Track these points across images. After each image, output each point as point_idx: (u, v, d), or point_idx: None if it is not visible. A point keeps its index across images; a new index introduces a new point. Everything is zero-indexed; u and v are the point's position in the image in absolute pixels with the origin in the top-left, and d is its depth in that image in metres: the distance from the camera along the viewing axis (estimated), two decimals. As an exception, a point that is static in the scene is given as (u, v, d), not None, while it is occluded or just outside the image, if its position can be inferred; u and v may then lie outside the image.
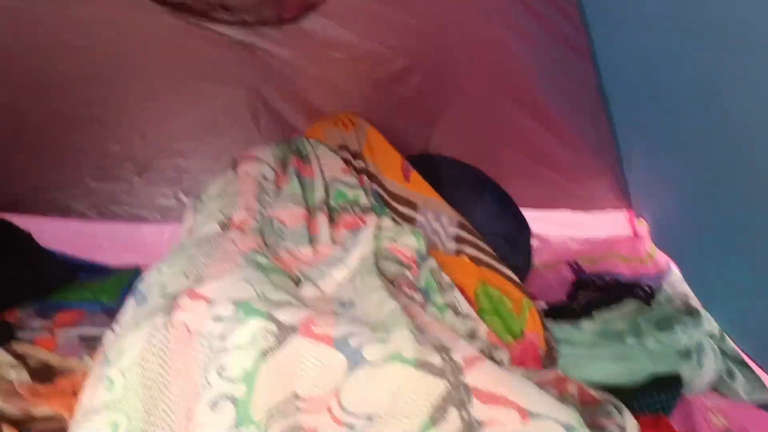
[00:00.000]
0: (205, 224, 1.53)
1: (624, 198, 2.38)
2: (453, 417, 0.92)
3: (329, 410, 0.95)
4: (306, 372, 0.98)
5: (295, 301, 1.17)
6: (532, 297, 1.78)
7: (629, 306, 1.88)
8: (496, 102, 2.18)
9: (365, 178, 1.82)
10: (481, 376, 0.95)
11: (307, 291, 1.29)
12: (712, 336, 1.75)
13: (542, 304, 1.89)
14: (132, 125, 2.06)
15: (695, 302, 1.90)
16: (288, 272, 1.34)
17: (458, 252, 1.78)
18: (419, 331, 1.06)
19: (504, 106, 2.19)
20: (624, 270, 2.24)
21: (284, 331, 1.03)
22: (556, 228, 2.41)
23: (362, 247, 1.43)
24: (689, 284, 2.00)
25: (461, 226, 1.83)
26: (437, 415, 0.92)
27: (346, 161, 1.84)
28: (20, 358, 1.57)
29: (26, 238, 2.05)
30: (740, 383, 1.65)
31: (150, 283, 1.24)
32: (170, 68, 1.99)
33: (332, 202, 1.69)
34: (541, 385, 1.01)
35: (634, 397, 1.51)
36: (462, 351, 1.00)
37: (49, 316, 1.81)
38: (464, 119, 2.23)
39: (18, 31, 1.82)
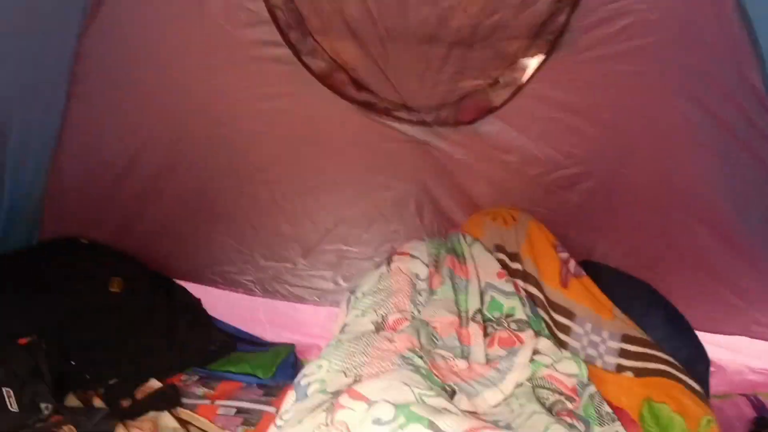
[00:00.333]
0: (359, 321, 1.56)
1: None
2: None
3: None
4: None
5: (452, 409, 1.14)
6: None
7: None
8: (672, 217, 2.07)
9: (520, 282, 1.76)
10: None
11: (461, 404, 1.27)
12: None
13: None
14: (305, 209, 2.18)
15: None
16: (443, 381, 1.32)
17: (619, 367, 1.65)
18: None
19: (680, 222, 2.07)
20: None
21: None
22: (732, 355, 2.17)
23: (518, 373, 1.40)
24: None
25: (627, 340, 1.69)
26: None
27: (503, 263, 1.80)
28: (184, 424, 1.67)
29: (198, 305, 2.19)
30: None
31: (310, 380, 1.27)
32: (349, 160, 2.11)
33: (487, 313, 1.66)
34: None
35: None
36: None
37: (211, 385, 1.90)
38: (634, 232, 2.13)
39: (218, 125, 2.04)
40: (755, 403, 2.01)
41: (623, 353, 1.66)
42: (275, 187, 2.14)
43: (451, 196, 2.14)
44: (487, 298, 1.70)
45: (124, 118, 2.03)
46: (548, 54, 1.87)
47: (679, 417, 1.48)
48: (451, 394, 1.30)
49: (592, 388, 1.48)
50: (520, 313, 1.65)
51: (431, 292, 1.72)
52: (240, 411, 1.79)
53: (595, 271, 2.00)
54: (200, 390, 1.87)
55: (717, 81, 1.87)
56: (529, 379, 1.43)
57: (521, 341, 1.57)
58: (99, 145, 2.06)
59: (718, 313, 2.16)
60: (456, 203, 2.15)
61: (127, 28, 1.92)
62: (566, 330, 1.71)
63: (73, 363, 1.69)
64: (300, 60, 1.91)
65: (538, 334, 1.60)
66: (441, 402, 1.16)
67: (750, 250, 2.06)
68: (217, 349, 2.07)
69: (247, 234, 2.21)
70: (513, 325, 1.62)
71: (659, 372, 1.60)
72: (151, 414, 1.66)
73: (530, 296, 1.75)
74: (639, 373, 1.61)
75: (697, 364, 1.88)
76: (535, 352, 1.51)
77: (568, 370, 1.48)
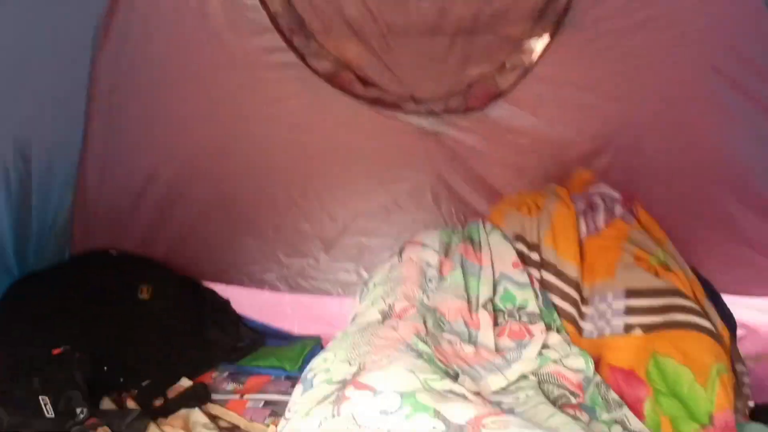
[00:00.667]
0: (367, 311, 1.58)
1: None
2: None
3: None
4: None
5: (458, 390, 1.16)
6: (740, 378, 1.51)
7: None
8: (695, 184, 2.04)
9: (536, 273, 1.72)
10: None
11: (467, 385, 1.27)
12: None
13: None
14: (323, 206, 2.22)
15: None
16: (446, 364, 1.34)
17: (627, 327, 1.54)
18: None
19: (704, 188, 2.04)
20: None
21: (452, 431, 1.01)
22: (762, 316, 2.12)
23: (524, 365, 1.41)
24: None
25: (631, 294, 1.59)
26: None
27: (520, 253, 1.76)
28: (214, 419, 1.72)
29: (226, 305, 2.26)
30: None
31: (316, 371, 1.29)
32: (362, 155, 2.15)
33: (499, 304, 1.65)
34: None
35: None
36: None
37: (240, 380, 1.96)
38: (657, 200, 2.05)
39: (232, 132, 2.11)
40: (787, 363, 1.96)
41: (629, 311, 1.56)
42: (292, 187, 2.19)
43: (467, 183, 2.15)
44: (500, 289, 1.69)
45: (141, 132, 2.11)
46: (553, 34, 1.86)
47: (686, 369, 1.37)
48: (455, 377, 1.31)
49: (597, 378, 1.46)
50: (533, 306, 1.64)
51: (441, 278, 1.72)
52: (268, 403, 1.84)
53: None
54: (230, 386, 1.93)
55: (735, 46, 1.83)
56: (535, 374, 1.43)
57: (531, 335, 1.56)
58: (120, 159, 2.14)
59: (749, 277, 2.13)
60: (472, 189, 2.15)
61: (136, 46, 1.99)
62: (583, 316, 1.67)
63: (105, 369, 1.77)
64: (305, 63, 1.95)
65: (549, 327, 1.59)
66: (446, 384, 1.17)
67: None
68: (246, 345, 2.13)
69: (268, 234, 2.26)
70: (525, 318, 1.61)
71: (668, 324, 1.49)
72: (183, 412, 1.72)
73: (546, 286, 1.71)
74: (647, 328, 1.50)
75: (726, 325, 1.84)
76: (545, 346, 1.50)
77: (575, 365, 1.46)
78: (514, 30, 1.87)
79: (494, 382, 1.36)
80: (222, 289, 2.30)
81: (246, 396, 1.88)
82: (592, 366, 1.47)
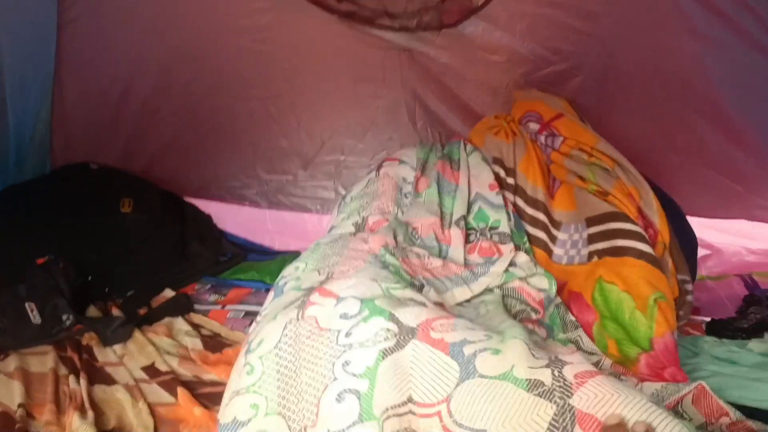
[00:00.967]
0: (342, 224, 1.63)
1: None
2: None
3: (439, 417, 0.98)
4: (422, 378, 1.03)
5: (418, 298, 1.22)
6: (683, 287, 1.58)
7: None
8: (667, 107, 2.06)
9: (511, 197, 1.77)
10: (590, 397, 0.92)
11: (430, 296, 1.34)
12: None
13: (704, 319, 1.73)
14: (300, 123, 2.24)
15: None
16: (412, 275, 1.40)
17: (590, 255, 1.61)
18: (535, 345, 1.06)
19: (676, 112, 2.06)
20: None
21: (404, 332, 1.08)
22: (730, 238, 2.21)
23: (490, 279, 1.46)
24: None
25: (590, 223, 1.64)
26: None
27: (497, 176, 1.81)
28: (196, 327, 1.80)
29: (208, 220, 2.33)
30: None
31: (287, 279, 1.36)
32: (337, 71, 2.14)
33: (472, 222, 1.69)
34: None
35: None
36: (576, 366, 0.98)
37: (222, 292, 2.04)
38: (628, 123, 2.12)
39: (206, 44, 2.09)
40: (748, 282, 2.05)
41: (590, 239, 1.62)
42: (269, 102, 2.20)
43: (442, 101, 2.16)
44: (474, 208, 1.73)
45: (115, 43, 2.09)
46: (528, -51, 1.82)
47: (627, 296, 1.44)
48: (420, 288, 1.37)
49: (558, 300, 1.54)
50: (505, 227, 1.68)
51: (416, 195, 1.77)
52: (248, 314, 1.91)
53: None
54: (212, 297, 2.02)
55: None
56: (500, 287, 1.49)
57: (501, 253, 1.61)
58: (95, 71, 2.14)
59: (716, 200, 2.19)
60: (448, 107, 2.18)
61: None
62: (554, 240, 1.73)
63: (89, 278, 1.85)
64: (279, -25, 1.92)
65: (518, 248, 1.64)
66: (407, 293, 1.23)
67: (748, 136, 2.04)
68: (228, 259, 2.21)
69: (247, 149, 2.30)
70: (495, 237, 1.66)
71: (611, 250, 1.55)
72: (166, 320, 1.79)
73: (518, 211, 1.76)
74: (601, 254, 1.56)
75: (684, 246, 1.90)
76: (512, 264, 1.54)
77: (538, 285, 1.52)
78: (488, -56, 1.84)
79: (459, 293, 1.43)
80: (204, 205, 2.36)
81: (227, 307, 1.95)
82: (554, 287, 1.53)
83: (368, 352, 1.06)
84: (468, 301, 1.46)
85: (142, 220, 2.11)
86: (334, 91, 2.18)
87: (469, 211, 1.73)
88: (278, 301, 1.30)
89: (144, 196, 2.17)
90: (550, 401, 0.93)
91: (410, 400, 1.01)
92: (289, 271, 1.42)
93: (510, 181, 1.80)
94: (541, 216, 1.74)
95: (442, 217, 1.68)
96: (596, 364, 1.37)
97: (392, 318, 1.11)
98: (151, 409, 1.40)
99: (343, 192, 2.30)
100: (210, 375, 1.57)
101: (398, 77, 2.12)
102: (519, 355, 1.00)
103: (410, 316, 1.12)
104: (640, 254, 1.50)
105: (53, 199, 2.02)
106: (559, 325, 1.49)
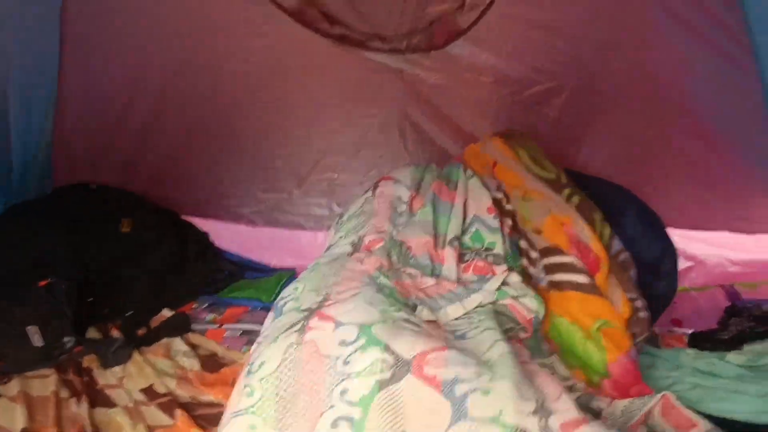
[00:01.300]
0: (339, 243, 1.66)
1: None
2: None
3: None
4: (415, 415, 1.06)
5: (413, 319, 1.25)
6: (633, 304, 1.61)
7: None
8: (647, 123, 2.12)
9: (509, 221, 1.79)
10: None
11: (423, 315, 1.37)
12: None
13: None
14: (295, 143, 2.30)
15: None
16: (406, 297, 1.42)
17: (549, 284, 1.65)
18: (525, 380, 1.09)
19: (656, 127, 2.12)
20: (788, 299, 2.01)
21: (400, 365, 1.11)
22: (712, 249, 2.25)
23: (482, 296, 1.48)
24: None
25: (544, 253, 1.70)
26: None
27: (497, 201, 1.83)
28: (193, 347, 1.83)
29: (205, 238, 2.37)
30: None
31: (286, 299, 1.39)
32: (330, 92, 2.21)
33: (468, 242, 1.71)
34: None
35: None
36: (563, 415, 1.01)
37: (219, 311, 2.08)
38: (611, 138, 2.19)
39: (203, 68, 2.15)
40: (730, 293, 2.10)
41: (547, 269, 1.67)
42: (264, 122, 2.26)
43: (431, 120, 2.22)
44: (471, 230, 1.75)
45: (116, 63, 2.14)
46: (511, -26, 1.87)
47: (576, 328, 1.52)
48: (413, 309, 1.39)
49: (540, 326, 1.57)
50: (500, 249, 1.69)
51: (411, 214, 1.79)
52: (245, 332, 1.95)
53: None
54: (209, 316, 2.06)
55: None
56: (492, 303, 1.50)
57: (495, 273, 1.62)
58: (96, 90, 2.19)
59: (699, 211, 2.24)
60: (438, 127, 2.23)
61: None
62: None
63: (90, 300, 1.89)
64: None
65: (512, 270, 1.64)
66: (402, 315, 1.26)
67: (727, 149, 2.10)
68: (226, 277, 2.25)
69: (243, 168, 2.34)
70: (490, 258, 1.67)
71: (554, 284, 1.62)
72: (164, 340, 1.83)
73: (513, 242, 1.77)
74: (552, 286, 1.63)
75: (664, 258, 1.96)
76: (504, 283, 1.57)
77: (529, 305, 1.54)
78: (472, -32, 1.90)
79: (453, 310, 1.43)
80: (201, 223, 2.41)
81: (224, 326, 1.99)
82: (543, 311, 1.55)
83: (365, 382, 1.09)
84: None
85: (141, 241, 2.14)
86: (329, 111, 2.24)
87: (465, 231, 1.75)
88: (278, 323, 1.32)
89: (143, 216, 2.21)
90: None
91: None
92: (288, 291, 1.45)
93: (509, 207, 1.83)
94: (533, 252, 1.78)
95: (436, 237, 1.70)
96: (570, 388, 1.39)
97: (387, 349, 1.14)
98: (150, 431, 1.43)
99: (337, 209, 2.35)
100: (207, 396, 1.60)
101: (389, 97, 2.18)
102: (508, 398, 1.03)
103: (406, 347, 1.15)
104: (576, 286, 1.58)
105: (54, 218, 2.05)
106: (537, 350, 1.51)
